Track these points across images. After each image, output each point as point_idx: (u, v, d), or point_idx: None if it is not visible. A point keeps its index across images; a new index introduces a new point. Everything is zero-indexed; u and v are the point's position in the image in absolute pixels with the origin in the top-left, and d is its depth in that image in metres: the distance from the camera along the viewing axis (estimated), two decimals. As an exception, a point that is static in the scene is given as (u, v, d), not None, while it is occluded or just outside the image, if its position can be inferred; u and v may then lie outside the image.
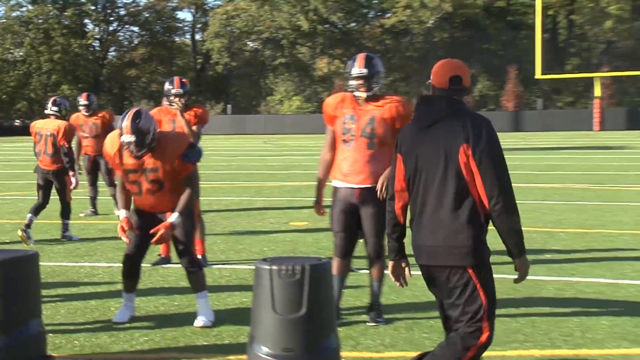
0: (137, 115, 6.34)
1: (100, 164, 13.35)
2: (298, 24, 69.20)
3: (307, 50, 75.27)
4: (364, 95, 6.31)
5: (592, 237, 10.64)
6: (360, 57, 6.41)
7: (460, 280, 4.11)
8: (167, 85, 8.92)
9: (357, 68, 6.31)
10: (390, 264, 4.45)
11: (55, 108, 11.11)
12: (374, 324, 6.40)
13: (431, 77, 4.36)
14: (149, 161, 6.42)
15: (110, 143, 6.60)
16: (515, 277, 4.26)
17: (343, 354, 5.34)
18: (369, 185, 6.28)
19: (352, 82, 6.34)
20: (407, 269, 4.42)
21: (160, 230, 6.36)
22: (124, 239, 6.57)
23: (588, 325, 6.37)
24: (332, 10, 69.39)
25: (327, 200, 6.58)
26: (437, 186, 4.14)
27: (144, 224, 6.56)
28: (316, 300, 4.98)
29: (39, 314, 5.59)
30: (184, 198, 6.42)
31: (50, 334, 5.93)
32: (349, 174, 6.34)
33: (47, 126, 10.97)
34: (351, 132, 6.30)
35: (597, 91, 53.01)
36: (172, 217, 6.41)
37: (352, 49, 70.70)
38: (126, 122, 6.29)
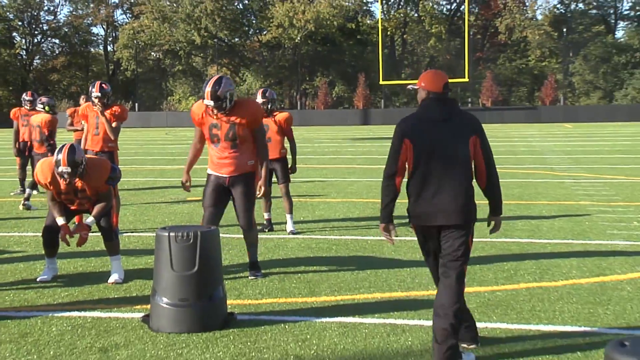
0: (72, 150, 6.02)
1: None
2: (192, 38, 68.06)
3: (200, 59, 74.25)
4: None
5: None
6: (209, 90, 6.03)
7: (464, 232, 4.27)
8: (90, 89, 8.49)
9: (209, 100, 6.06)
10: (382, 225, 4.41)
11: (40, 106, 11.75)
12: (254, 278, 6.37)
13: (423, 84, 4.40)
14: (78, 184, 6.18)
15: (42, 172, 6.22)
16: (491, 229, 4.55)
17: (229, 302, 5.31)
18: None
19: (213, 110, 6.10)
20: (394, 230, 4.43)
21: (80, 233, 6.21)
22: (65, 244, 6.31)
23: (417, 272, 6.52)
24: (220, 28, 68.59)
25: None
26: (452, 165, 4.24)
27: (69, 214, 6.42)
28: (206, 260, 4.95)
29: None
30: (99, 207, 6.25)
31: (-16, 293, 5.65)
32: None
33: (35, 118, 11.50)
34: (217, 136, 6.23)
35: (425, 94, 54.25)
36: (89, 220, 6.27)
37: (236, 59, 70.26)
38: (62, 155, 5.96)
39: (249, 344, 4.63)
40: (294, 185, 13.86)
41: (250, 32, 73.48)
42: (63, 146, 6.07)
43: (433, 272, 4.52)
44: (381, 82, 53.00)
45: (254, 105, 6.35)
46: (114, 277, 6.33)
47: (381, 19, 52.95)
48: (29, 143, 12.79)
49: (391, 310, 5.34)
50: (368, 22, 72.78)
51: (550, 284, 6.10)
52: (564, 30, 69.00)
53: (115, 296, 5.88)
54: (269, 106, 8.59)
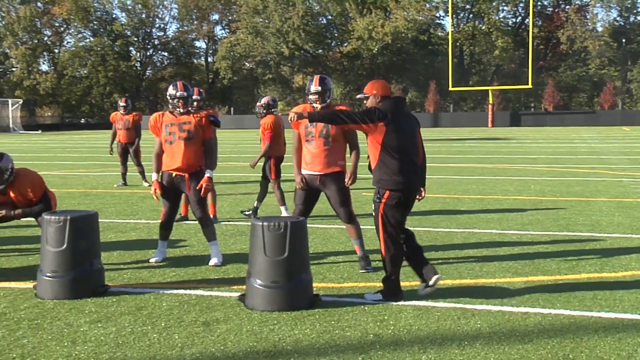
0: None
1: (129, 150, 13.28)
2: (281, 50, 68.74)
3: (288, 68, 74.95)
4: (319, 106, 6.17)
5: (488, 201, 10.70)
6: (317, 78, 6.16)
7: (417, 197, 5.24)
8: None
9: (314, 86, 6.12)
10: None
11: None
12: (364, 271, 6.06)
13: (375, 91, 5.20)
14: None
15: None
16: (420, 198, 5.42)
17: (314, 284, 5.31)
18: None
19: (311, 97, 6.14)
20: None
21: (203, 184, 6.29)
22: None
23: (484, 261, 6.40)
24: (305, 40, 69.01)
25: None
26: (416, 148, 5.15)
27: None
28: (295, 247, 4.96)
29: (99, 255, 5.52)
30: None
31: (107, 270, 5.84)
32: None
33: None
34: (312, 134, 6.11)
35: (490, 99, 53.22)
36: (208, 173, 6.34)
37: (319, 68, 70.49)
38: None
39: (332, 322, 4.63)
40: (369, 182, 13.80)
41: (333, 44, 73.61)
42: None
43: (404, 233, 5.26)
44: (450, 89, 52.11)
45: (347, 108, 6.20)
46: (213, 260, 6.44)
47: (451, 31, 52.10)
48: (124, 144, 13.30)
49: (461, 295, 5.24)
50: (439, 34, 71.68)
51: (610, 275, 5.85)
52: (623, 40, 66.14)
53: (215, 277, 5.98)
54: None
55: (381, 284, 5.22)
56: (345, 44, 70.15)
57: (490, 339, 4.28)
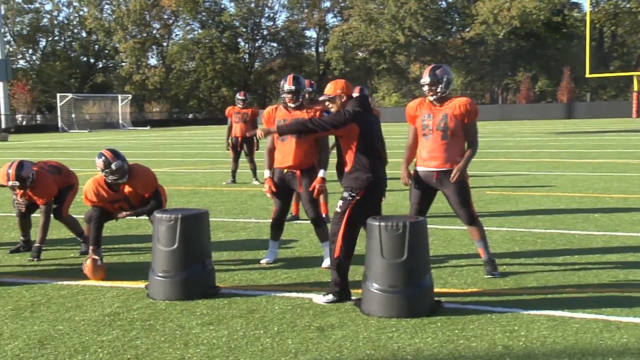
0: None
1: (244, 145, 13.67)
2: (397, 38, 68.49)
3: (404, 58, 74.56)
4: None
5: (633, 201, 10.15)
6: (429, 68, 6.08)
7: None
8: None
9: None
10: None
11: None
12: (490, 277, 5.93)
13: (340, 91, 5.58)
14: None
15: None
16: None
17: (435, 290, 5.26)
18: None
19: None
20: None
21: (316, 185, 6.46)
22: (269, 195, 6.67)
23: (630, 268, 6.08)
24: (423, 26, 68.35)
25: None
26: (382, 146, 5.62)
27: None
28: (414, 249, 4.94)
29: (210, 255, 5.74)
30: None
31: (217, 271, 6.06)
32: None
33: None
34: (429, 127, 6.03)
35: (635, 86, 50.44)
36: (321, 173, 6.49)
37: (438, 56, 69.61)
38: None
39: (456, 331, 4.57)
40: (494, 179, 13.48)
41: (453, 30, 72.48)
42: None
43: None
44: (587, 75, 49.87)
45: (467, 100, 6.05)
46: (326, 262, 6.51)
47: (590, 11, 49.77)
48: (240, 138, 13.68)
49: (603, 306, 5.01)
50: (575, 15, 68.78)
51: None
52: None
53: (329, 280, 6.04)
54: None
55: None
56: (467, 29, 68.89)
57: (639, 355, 4.07)
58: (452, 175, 5.89)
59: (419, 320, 4.78)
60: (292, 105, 6.60)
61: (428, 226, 5.94)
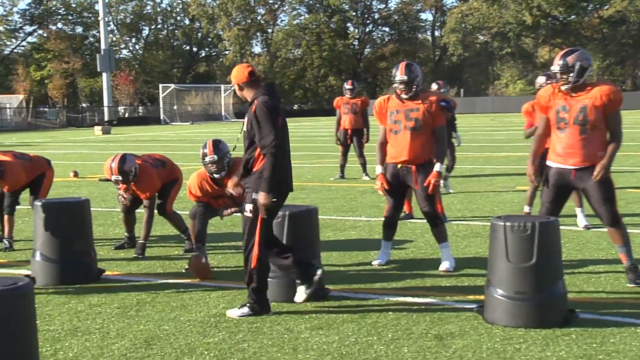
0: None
1: (353, 138, 13.69)
2: (523, 19, 66.77)
3: (531, 40, 72.62)
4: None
5: None
6: (560, 53, 5.82)
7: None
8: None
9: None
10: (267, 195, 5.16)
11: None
12: (634, 285, 5.70)
13: (247, 77, 5.33)
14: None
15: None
16: None
17: (569, 297, 5.09)
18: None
19: (558, 76, 5.78)
20: None
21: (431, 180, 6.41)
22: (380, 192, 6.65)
23: None
24: (554, 5, 66.27)
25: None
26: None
27: None
28: (544, 252, 4.82)
29: (319, 255, 5.81)
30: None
31: (326, 272, 6.10)
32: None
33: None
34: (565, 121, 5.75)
35: None
36: (437, 167, 6.43)
37: (571, 38, 67.24)
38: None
39: (594, 345, 4.41)
40: (637, 175, 12.89)
41: (589, 8, 69.77)
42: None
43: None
44: None
45: (611, 86, 5.76)
46: (444, 265, 6.47)
47: None
48: (349, 131, 13.70)
49: None
50: None
51: None
52: None
53: (447, 284, 6.00)
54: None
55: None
56: (605, 7, 66.14)
57: None
58: (595, 174, 5.64)
59: (551, 332, 4.66)
60: (405, 96, 6.54)
61: (562, 227, 5.77)
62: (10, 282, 3.60)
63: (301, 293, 5.44)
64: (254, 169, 5.22)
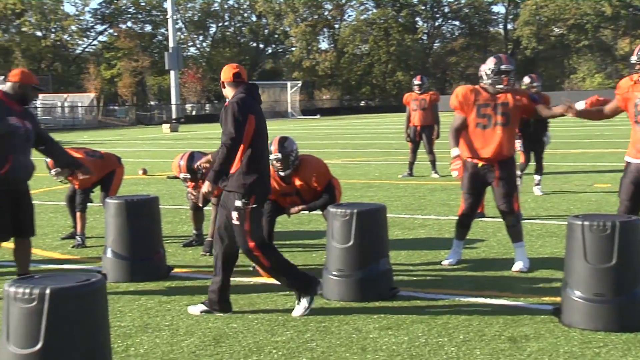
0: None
1: (423, 135, 13.59)
2: (602, 9, 65.15)
3: (610, 32, 70.79)
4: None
5: None
6: (639, 46, 5.64)
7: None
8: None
9: (634, 55, 5.68)
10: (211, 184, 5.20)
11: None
12: None
13: (229, 78, 5.30)
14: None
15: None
16: None
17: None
18: None
19: (637, 67, 5.59)
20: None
21: None
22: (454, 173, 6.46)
23: None
24: (634, -6, 64.52)
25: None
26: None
27: None
28: (625, 253, 4.69)
29: (387, 254, 5.79)
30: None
31: (395, 271, 6.09)
32: None
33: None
34: None
35: None
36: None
37: (653, 29, 65.24)
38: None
39: (678, 351, 4.28)
40: None
41: (673, -3, 67.61)
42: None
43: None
44: None
45: None
46: (518, 265, 6.36)
47: None
48: (418, 127, 13.59)
49: None
50: None
51: None
52: None
53: (521, 285, 5.90)
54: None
55: None
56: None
57: None
58: None
59: (633, 336, 4.54)
60: (505, 87, 6.31)
61: None
62: (83, 278, 3.70)
63: (302, 307, 5.30)
64: (232, 171, 5.22)
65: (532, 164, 11.04)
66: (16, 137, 5.74)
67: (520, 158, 10.61)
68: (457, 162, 6.35)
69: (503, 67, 6.30)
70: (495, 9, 79.22)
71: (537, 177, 11.02)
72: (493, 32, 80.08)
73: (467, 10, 76.45)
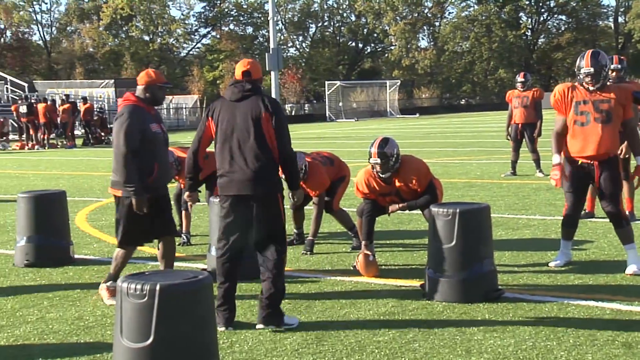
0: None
1: (525, 133, 13.27)
2: None
3: None
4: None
5: None
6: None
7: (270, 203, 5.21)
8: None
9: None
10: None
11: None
12: None
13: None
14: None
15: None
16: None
17: None
18: None
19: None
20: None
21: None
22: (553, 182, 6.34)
23: None
24: None
25: None
26: (245, 141, 5.01)
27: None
28: None
29: (492, 255, 5.69)
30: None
31: (499, 272, 5.97)
32: None
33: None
34: None
35: None
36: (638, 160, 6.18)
37: None
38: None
39: None
40: None
41: None
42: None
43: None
44: None
45: None
46: (632, 268, 6.13)
47: None
48: (520, 125, 13.26)
49: None
50: None
51: None
52: None
53: (636, 288, 5.68)
54: None
55: None
56: None
57: None
58: None
59: None
60: (592, 88, 6.22)
61: None
62: (191, 275, 3.80)
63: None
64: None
65: None
66: (158, 143, 5.77)
67: None
68: (556, 171, 6.24)
69: (583, 70, 6.15)
70: (605, 1, 76.84)
71: None
72: (602, 25, 77.40)
73: (574, 4, 74.19)
